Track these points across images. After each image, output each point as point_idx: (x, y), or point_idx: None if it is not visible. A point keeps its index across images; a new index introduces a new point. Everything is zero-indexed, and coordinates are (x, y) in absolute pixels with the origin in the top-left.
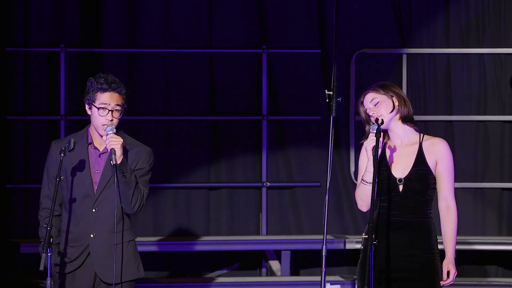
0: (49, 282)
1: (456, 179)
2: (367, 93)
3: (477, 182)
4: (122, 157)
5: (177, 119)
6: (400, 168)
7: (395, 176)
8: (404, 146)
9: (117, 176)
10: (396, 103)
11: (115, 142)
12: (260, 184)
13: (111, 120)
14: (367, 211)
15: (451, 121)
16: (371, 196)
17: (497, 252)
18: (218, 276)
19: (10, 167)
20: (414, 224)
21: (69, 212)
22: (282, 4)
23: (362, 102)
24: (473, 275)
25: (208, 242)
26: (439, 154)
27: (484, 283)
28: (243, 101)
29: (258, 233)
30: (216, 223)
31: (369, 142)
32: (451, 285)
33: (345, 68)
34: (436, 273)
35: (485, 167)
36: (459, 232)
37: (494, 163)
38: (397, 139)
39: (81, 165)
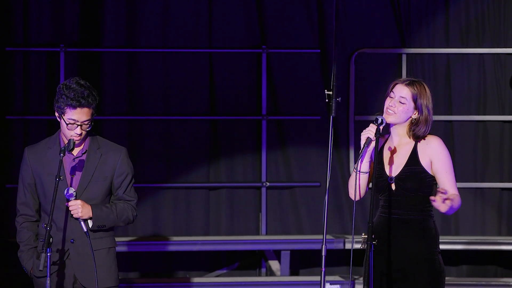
0: (48, 282)
1: (456, 179)
2: (405, 85)
3: (476, 182)
4: (91, 215)
5: (176, 119)
6: (393, 167)
7: (388, 175)
8: (401, 145)
9: (88, 235)
10: (414, 118)
11: (76, 212)
12: (259, 184)
13: (80, 134)
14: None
15: (450, 121)
16: (371, 198)
17: (497, 252)
18: (218, 276)
19: (10, 167)
20: (413, 222)
21: (48, 217)
22: (282, 4)
23: (396, 85)
24: (473, 275)
25: (208, 242)
26: (432, 153)
27: (483, 283)
28: (242, 101)
29: (257, 233)
30: (215, 223)
31: (366, 132)
32: (450, 285)
33: (345, 68)
34: (436, 272)
35: (484, 167)
36: (459, 232)
37: (494, 163)
38: (396, 136)
39: (56, 171)
